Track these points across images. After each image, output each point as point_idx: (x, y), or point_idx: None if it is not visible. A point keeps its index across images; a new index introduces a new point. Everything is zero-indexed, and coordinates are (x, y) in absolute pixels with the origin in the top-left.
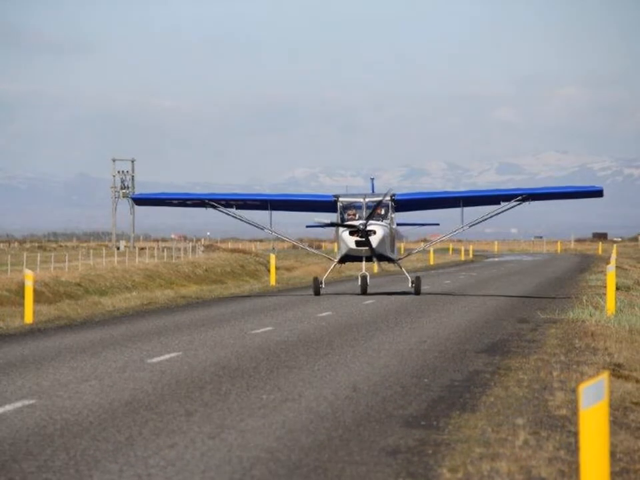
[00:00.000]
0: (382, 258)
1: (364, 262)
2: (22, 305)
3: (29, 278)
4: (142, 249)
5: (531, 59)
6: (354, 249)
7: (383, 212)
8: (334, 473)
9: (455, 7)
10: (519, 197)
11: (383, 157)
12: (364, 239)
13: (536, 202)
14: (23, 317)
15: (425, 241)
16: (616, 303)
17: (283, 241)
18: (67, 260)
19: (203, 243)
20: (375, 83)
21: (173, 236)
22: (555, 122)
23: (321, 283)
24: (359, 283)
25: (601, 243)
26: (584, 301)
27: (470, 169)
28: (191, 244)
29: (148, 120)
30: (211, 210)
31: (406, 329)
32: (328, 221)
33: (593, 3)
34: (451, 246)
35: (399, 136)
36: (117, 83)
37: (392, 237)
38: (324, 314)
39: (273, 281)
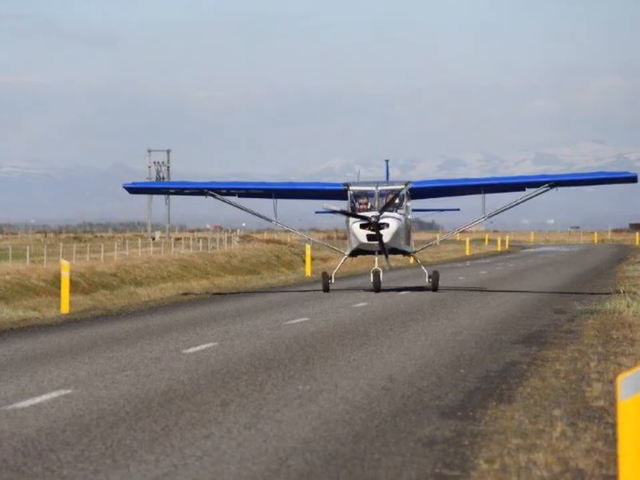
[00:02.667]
0: (396, 252)
1: (377, 256)
2: (58, 295)
3: (65, 268)
4: (177, 239)
5: (567, 49)
6: (365, 244)
7: (397, 201)
8: (370, 463)
9: (494, 6)
10: (546, 184)
11: (419, 148)
12: (376, 233)
13: (572, 192)
14: (59, 307)
15: (462, 232)
16: None
17: (318, 231)
18: (102, 250)
19: (238, 233)
20: (410, 74)
21: (208, 226)
22: (591, 112)
23: (330, 279)
24: (372, 280)
25: (638, 233)
26: (621, 291)
27: (506, 159)
28: (226, 234)
29: (184, 111)
30: (246, 200)
31: (442, 319)
32: (338, 209)
33: None
34: (487, 236)
35: (435, 126)
36: (153, 73)
37: (407, 229)
38: (359, 304)
39: (308, 272)
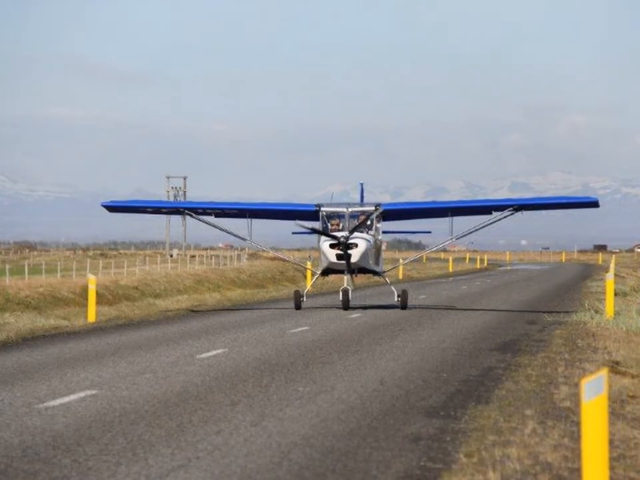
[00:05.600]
0: (365, 271)
1: (346, 276)
2: (85, 306)
3: (91, 282)
4: (192, 256)
5: (540, 90)
6: (335, 263)
7: (368, 222)
8: (362, 457)
9: (475, 47)
10: (512, 207)
11: (408, 176)
12: (344, 253)
13: (543, 217)
14: (86, 316)
15: (444, 251)
16: (614, 307)
17: (315, 249)
18: (125, 266)
19: (246, 251)
20: (401, 110)
21: (220, 245)
22: (561, 146)
23: (302, 297)
24: (341, 298)
25: (601, 253)
26: (586, 305)
27: (485, 187)
28: (236, 252)
29: (199, 142)
30: (254, 222)
31: (427, 329)
32: (310, 227)
33: (594, 41)
34: (467, 255)
35: (422, 158)
36: (172, 109)
37: (377, 249)
38: (354, 315)
39: (309, 286)
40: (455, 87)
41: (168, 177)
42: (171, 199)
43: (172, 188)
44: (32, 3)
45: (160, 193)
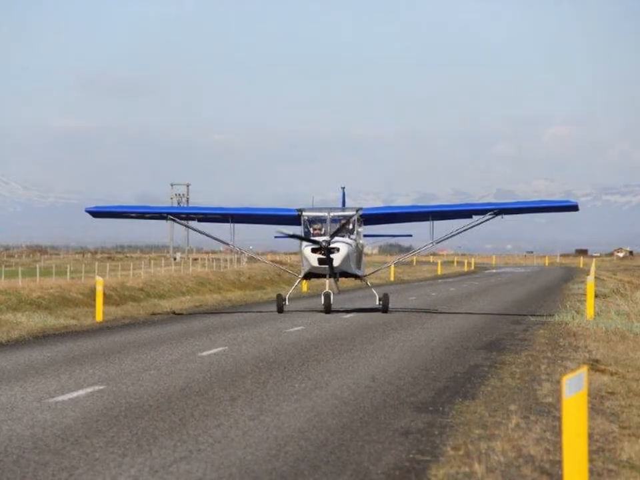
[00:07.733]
0: (346, 275)
1: (327, 279)
2: (93, 306)
3: (99, 283)
4: (195, 259)
5: (524, 102)
6: (317, 267)
7: (350, 226)
8: (355, 450)
9: (463, 64)
10: (491, 212)
11: (399, 183)
12: (326, 257)
13: (527, 223)
14: (94, 316)
15: (434, 254)
16: (594, 308)
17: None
18: (131, 268)
19: (246, 255)
20: (393, 122)
21: (221, 249)
22: (544, 155)
23: (284, 300)
24: (323, 302)
25: (582, 257)
26: (567, 306)
27: (472, 194)
28: (236, 255)
29: (201, 151)
30: (252, 227)
31: (417, 329)
32: (291, 232)
33: (575, 59)
34: (455, 259)
35: (413, 166)
36: (176, 119)
37: (358, 253)
38: (348, 316)
39: (305, 288)
40: (442, 100)
41: (172, 185)
42: (175, 204)
43: (175, 195)
44: (48, 22)
45: (165, 199)
